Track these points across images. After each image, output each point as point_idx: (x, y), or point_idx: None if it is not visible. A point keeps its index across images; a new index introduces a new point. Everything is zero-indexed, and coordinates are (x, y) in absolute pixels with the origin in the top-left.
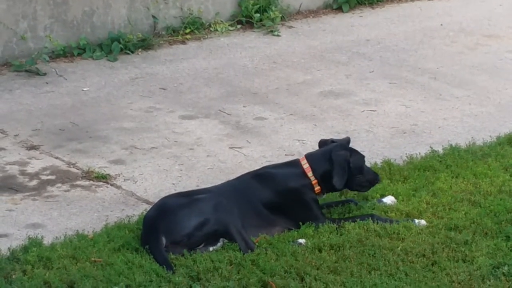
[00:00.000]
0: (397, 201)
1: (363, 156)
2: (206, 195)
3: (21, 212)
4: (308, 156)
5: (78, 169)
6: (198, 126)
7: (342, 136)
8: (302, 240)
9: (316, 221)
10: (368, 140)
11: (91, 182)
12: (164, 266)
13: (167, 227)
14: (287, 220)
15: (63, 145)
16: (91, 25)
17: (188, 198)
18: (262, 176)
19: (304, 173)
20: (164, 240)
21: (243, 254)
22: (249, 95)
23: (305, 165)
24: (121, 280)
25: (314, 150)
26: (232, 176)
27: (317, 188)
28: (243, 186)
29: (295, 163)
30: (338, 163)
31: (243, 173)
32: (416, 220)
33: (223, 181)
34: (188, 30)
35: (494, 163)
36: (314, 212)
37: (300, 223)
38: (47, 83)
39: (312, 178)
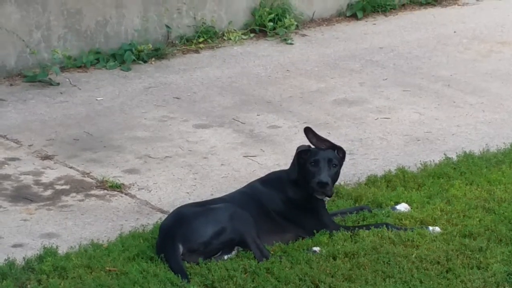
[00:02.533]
0: (411, 208)
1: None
2: (221, 204)
3: (35, 222)
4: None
5: (92, 179)
6: (212, 135)
7: (356, 143)
8: (316, 248)
9: (327, 228)
10: (382, 147)
11: (106, 191)
12: (179, 275)
13: (184, 235)
14: (298, 227)
15: (77, 154)
16: (105, 35)
17: (203, 207)
18: (270, 181)
19: None
20: (180, 248)
21: (258, 262)
22: (263, 103)
23: None
24: None
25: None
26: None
27: None
28: (254, 193)
29: None
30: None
31: None
32: (431, 228)
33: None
34: (201, 39)
35: (508, 170)
36: (323, 218)
37: (315, 231)
38: (61, 93)
39: None
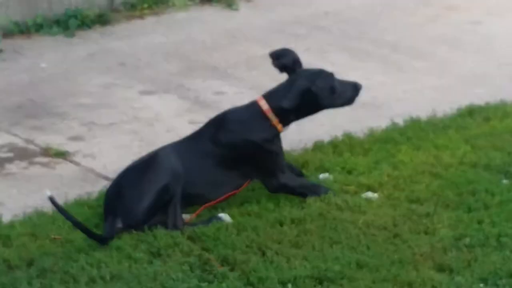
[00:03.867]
0: (358, 174)
1: (329, 76)
2: (157, 161)
3: None
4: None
5: (36, 146)
6: (157, 102)
7: None
8: (222, 215)
9: (278, 174)
10: (329, 113)
11: (50, 159)
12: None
13: (122, 212)
14: (254, 172)
15: (20, 122)
16: (48, 1)
17: (140, 172)
18: (220, 123)
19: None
20: (120, 223)
21: (166, 228)
22: (208, 69)
23: (264, 106)
24: (81, 257)
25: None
26: None
27: (279, 126)
28: (199, 138)
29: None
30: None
31: None
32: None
33: None
34: (146, 5)
35: (455, 134)
36: (281, 161)
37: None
38: (3, 60)
39: (273, 117)
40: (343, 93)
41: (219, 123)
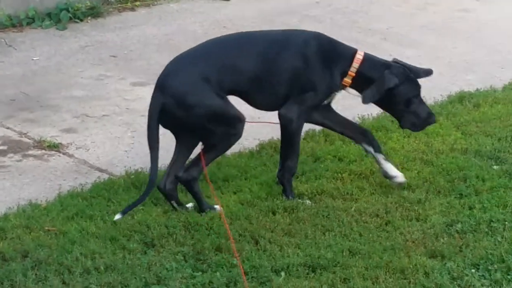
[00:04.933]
0: (349, 161)
1: (417, 88)
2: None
3: None
4: (367, 54)
5: (29, 139)
6: (149, 93)
7: None
8: (217, 207)
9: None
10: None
11: (43, 151)
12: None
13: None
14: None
15: (14, 115)
16: None
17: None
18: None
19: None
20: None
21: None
22: None
23: (359, 56)
24: (75, 248)
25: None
26: None
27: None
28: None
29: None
30: (380, 82)
31: None
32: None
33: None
34: None
35: (445, 121)
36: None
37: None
38: None
39: (353, 70)
40: (415, 113)
41: None
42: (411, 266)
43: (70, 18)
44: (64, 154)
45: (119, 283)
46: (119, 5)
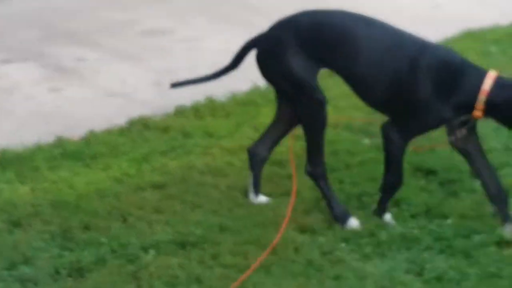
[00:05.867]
0: (219, 137)
1: None
2: None
3: None
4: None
5: None
6: (16, 70)
7: (163, 74)
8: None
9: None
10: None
11: None
12: None
13: None
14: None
15: None
16: None
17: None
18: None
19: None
20: None
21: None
22: (68, 36)
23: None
24: None
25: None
26: (53, 120)
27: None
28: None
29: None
30: None
31: (64, 116)
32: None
33: (43, 126)
34: None
35: None
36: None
37: None
38: None
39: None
40: None
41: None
42: (281, 241)
43: None
44: None
45: None
46: None
